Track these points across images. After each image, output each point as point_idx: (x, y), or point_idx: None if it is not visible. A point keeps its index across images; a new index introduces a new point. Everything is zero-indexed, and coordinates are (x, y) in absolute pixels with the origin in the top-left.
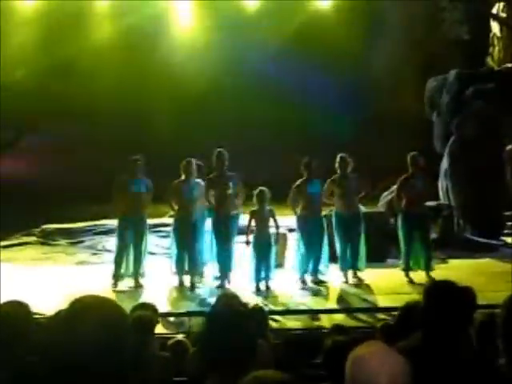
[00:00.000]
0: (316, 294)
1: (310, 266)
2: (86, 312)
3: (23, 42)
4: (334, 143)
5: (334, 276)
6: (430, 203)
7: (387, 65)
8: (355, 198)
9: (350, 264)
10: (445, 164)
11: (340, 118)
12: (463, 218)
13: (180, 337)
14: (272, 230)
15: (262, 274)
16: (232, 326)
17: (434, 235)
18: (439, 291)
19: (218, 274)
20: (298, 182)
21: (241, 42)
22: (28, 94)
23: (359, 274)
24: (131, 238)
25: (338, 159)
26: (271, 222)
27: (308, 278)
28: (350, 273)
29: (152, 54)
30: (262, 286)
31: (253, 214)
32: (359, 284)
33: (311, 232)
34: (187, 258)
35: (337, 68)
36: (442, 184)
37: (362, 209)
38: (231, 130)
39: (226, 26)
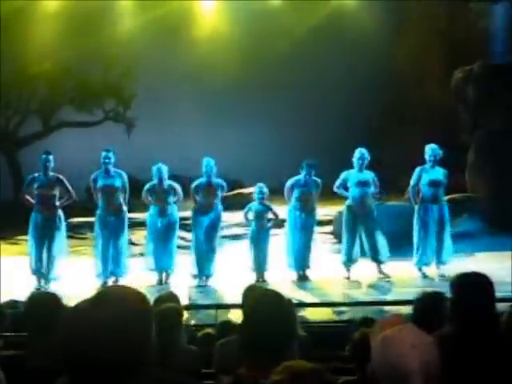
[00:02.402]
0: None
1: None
2: (110, 300)
3: (51, 35)
4: (355, 135)
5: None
6: (456, 195)
7: (412, 55)
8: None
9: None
10: (471, 156)
11: (364, 110)
12: (489, 211)
13: (209, 329)
14: None
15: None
16: (272, 314)
17: (458, 228)
18: (467, 282)
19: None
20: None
21: (264, 33)
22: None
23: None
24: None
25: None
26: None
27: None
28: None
29: (176, 46)
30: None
31: None
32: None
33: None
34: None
35: (361, 59)
36: (468, 176)
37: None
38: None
39: (249, 19)
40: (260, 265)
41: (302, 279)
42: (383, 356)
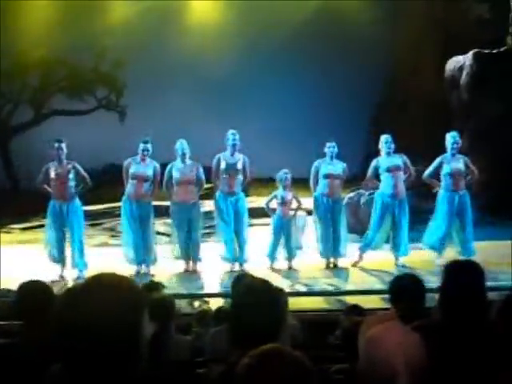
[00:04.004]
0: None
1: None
2: (102, 287)
3: (43, 23)
4: (355, 126)
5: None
6: None
7: (407, 43)
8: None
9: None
10: (465, 144)
11: (360, 98)
12: (482, 198)
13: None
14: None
15: (281, 254)
16: (261, 303)
17: None
18: (458, 269)
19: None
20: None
21: (259, 23)
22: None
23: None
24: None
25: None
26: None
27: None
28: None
29: (169, 35)
30: (281, 266)
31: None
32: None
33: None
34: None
35: (356, 47)
36: None
37: None
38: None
39: (243, 8)
40: (289, 252)
41: (332, 267)
42: (370, 356)
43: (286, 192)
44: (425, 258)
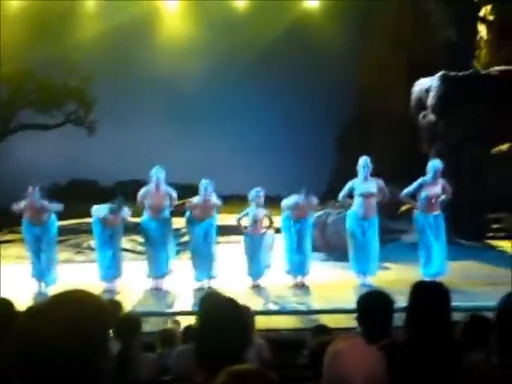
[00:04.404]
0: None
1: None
2: (66, 303)
3: (13, 37)
4: (321, 145)
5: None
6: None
7: (373, 66)
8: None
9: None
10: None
11: (325, 120)
12: (448, 219)
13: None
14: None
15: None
16: (227, 322)
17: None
18: (424, 290)
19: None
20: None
21: (229, 41)
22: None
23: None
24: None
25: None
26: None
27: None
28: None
29: (140, 53)
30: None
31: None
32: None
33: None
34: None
35: (324, 68)
36: None
37: None
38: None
39: (214, 26)
40: (257, 271)
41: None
42: (331, 371)
43: (257, 210)
44: (392, 278)
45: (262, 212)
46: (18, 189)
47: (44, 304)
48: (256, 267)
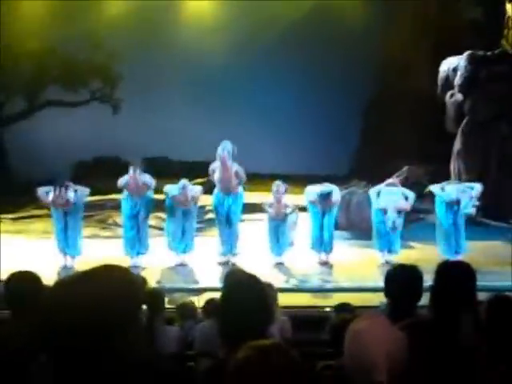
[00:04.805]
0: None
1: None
2: (96, 277)
3: (38, 14)
4: (346, 126)
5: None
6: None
7: (400, 44)
8: None
9: None
10: (457, 144)
11: (351, 101)
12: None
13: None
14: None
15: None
16: (250, 298)
17: None
18: (450, 269)
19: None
20: None
21: (253, 20)
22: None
23: None
24: None
25: None
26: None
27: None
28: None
29: (164, 31)
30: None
31: None
32: None
33: None
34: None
35: (349, 46)
36: (453, 165)
37: None
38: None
39: (238, 4)
40: (280, 248)
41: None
42: (352, 349)
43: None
44: (415, 257)
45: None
46: (43, 164)
47: (73, 278)
48: (279, 245)
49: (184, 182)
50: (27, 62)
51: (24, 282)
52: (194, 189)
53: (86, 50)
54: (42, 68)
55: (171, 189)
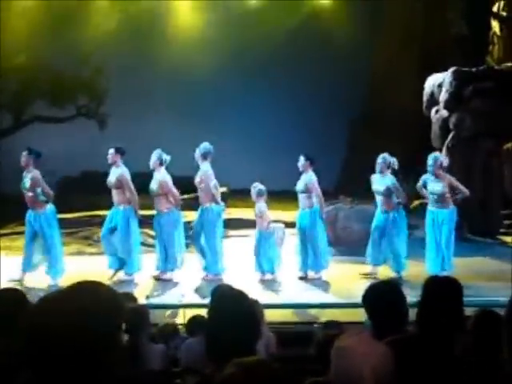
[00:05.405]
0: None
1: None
2: (79, 294)
3: (26, 28)
4: (331, 140)
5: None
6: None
7: (385, 61)
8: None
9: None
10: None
11: (336, 115)
12: (460, 215)
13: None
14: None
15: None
16: (238, 314)
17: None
18: (437, 286)
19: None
20: None
21: (242, 35)
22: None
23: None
24: None
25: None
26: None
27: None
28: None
29: (152, 46)
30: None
31: None
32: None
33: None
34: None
35: (336, 62)
36: None
37: None
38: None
39: (227, 20)
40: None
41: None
42: (337, 366)
43: (263, 205)
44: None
45: (264, 206)
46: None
47: (56, 295)
48: (264, 261)
49: None
50: (14, 77)
51: (5, 299)
52: None
53: (73, 65)
54: (29, 83)
55: None
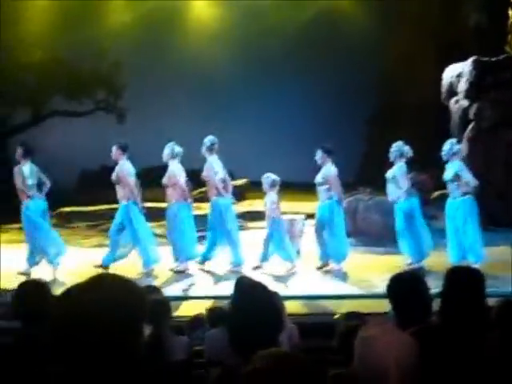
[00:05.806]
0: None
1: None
2: (102, 287)
3: (43, 24)
4: (351, 131)
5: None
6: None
7: (404, 52)
8: None
9: None
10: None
11: (353, 108)
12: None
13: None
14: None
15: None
16: (261, 306)
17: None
18: (459, 275)
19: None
20: None
21: (256, 31)
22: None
23: None
24: None
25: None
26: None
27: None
28: None
29: (169, 40)
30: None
31: None
32: None
33: None
34: None
35: (352, 55)
36: None
37: None
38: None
39: (242, 13)
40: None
41: None
42: (362, 356)
43: (275, 196)
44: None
45: (276, 197)
46: (49, 174)
47: (80, 286)
48: (280, 251)
49: None
50: (32, 72)
51: (32, 291)
52: None
53: (90, 59)
54: (47, 78)
55: None
